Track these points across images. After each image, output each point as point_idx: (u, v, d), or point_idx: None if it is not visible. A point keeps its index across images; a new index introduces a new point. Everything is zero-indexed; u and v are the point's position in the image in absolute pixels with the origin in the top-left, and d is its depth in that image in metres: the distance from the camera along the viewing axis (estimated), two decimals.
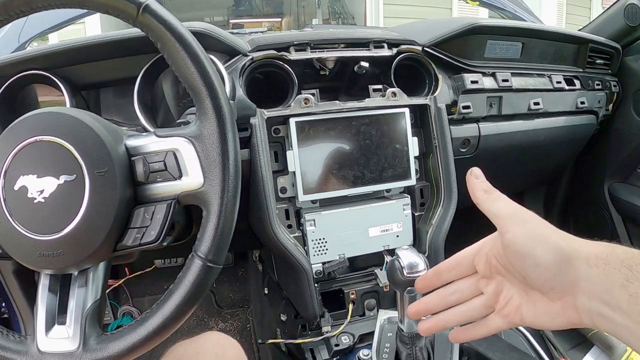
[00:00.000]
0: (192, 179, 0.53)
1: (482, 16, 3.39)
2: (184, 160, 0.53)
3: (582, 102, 1.22)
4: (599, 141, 1.41)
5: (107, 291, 1.44)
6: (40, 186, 0.49)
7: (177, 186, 0.54)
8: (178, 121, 0.73)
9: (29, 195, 0.49)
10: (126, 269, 1.49)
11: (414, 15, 4.99)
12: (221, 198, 0.52)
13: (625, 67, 1.36)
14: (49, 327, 0.52)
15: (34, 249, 0.50)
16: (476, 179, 0.49)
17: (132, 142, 0.55)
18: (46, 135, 0.50)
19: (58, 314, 0.53)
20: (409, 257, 0.63)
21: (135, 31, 0.77)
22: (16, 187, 0.50)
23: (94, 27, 2.38)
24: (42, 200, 0.49)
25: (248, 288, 1.60)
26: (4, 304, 1.25)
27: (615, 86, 1.33)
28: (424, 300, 0.52)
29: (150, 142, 0.55)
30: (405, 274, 0.62)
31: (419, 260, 0.63)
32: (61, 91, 0.79)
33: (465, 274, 0.50)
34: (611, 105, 1.35)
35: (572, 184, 1.57)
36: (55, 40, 1.52)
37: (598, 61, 1.30)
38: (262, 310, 1.38)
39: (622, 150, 1.38)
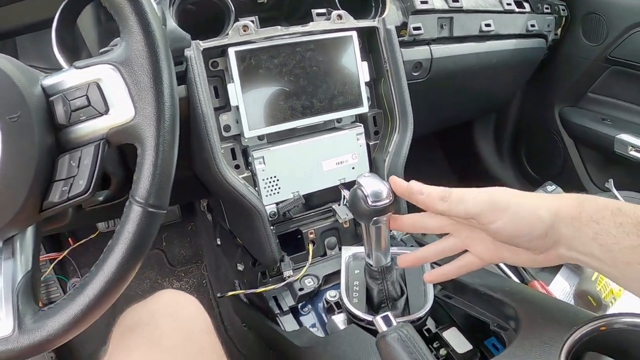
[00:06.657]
0: (120, 111, 0.45)
1: None
2: (110, 91, 0.45)
3: (532, 25, 1.22)
4: (549, 66, 1.40)
5: (53, 265, 1.35)
6: None
7: (104, 122, 0.45)
8: (101, 50, 0.63)
9: None
10: (69, 239, 1.39)
11: None
12: (157, 129, 0.44)
13: None
14: None
15: None
16: (421, 194, 0.50)
17: (48, 81, 0.46)
18: None
19: None
20: (372, 184, 0.56)
21: None
22: None
23: None
24: None
25: (199, 242, 1.52)
26: None
27: (563, 10, 1.32)
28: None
29: (69, 77, 0.46)
30: (369, 203, 0.55)
31: (383, 187, 0.56)
32: None
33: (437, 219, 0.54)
34: (560, 29, 1.35)
35: (522, 110, 1.58)
36: None
37: None
38: (216, 263, 1.32)
39: (572, 74, 1.38)
